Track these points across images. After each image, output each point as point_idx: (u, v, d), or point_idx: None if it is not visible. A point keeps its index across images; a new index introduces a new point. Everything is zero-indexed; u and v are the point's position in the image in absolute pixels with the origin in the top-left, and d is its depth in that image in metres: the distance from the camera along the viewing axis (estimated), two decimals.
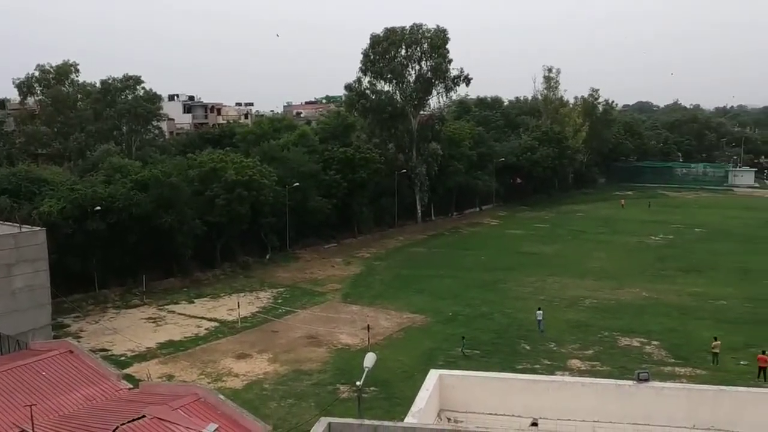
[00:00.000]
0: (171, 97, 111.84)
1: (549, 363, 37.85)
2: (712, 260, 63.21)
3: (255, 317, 47.27)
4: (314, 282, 57.35)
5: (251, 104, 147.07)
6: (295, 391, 34.45)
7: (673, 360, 38.27)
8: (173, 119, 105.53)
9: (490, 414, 15.73)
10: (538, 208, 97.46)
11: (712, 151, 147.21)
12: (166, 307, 49.80)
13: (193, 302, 51.13)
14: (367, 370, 22.48)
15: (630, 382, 15.99)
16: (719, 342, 37.80)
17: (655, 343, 40.93)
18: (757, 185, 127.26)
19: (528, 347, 40.58)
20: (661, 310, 47.78)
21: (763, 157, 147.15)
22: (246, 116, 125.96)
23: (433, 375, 16.25)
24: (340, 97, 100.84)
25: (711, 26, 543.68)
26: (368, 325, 42.32)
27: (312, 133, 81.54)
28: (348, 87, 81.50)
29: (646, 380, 15.79)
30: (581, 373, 35.79)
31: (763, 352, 36.07)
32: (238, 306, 47.42)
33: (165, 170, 56.30)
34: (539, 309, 44.73)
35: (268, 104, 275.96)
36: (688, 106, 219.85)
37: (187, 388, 22.56)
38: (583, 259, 64.84)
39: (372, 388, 33.23)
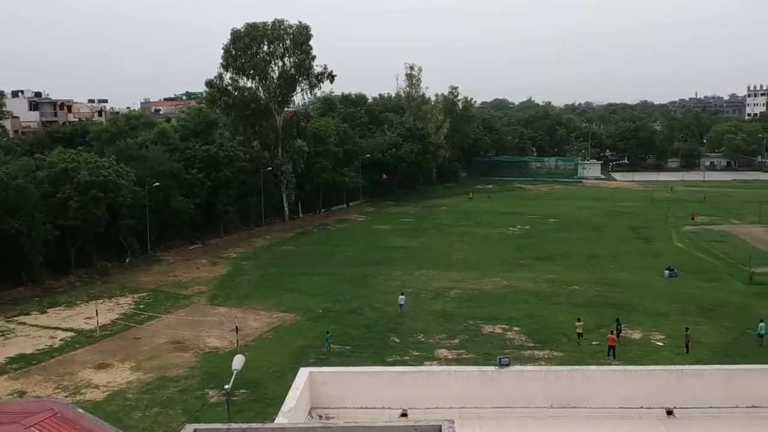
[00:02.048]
0: (15, 94, 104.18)
1: (418, 354, 38.71)
2: (564, 248, 67.17)
3: (115, 324, 45.04)
4: (178, 285, 55.45)
5: (105, 101, 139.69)
6: (161, 399, 33.16)
7: (532, 344, 40.25)
8: (18, 117, 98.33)
9: (361, 408, 15.81)
10: (403, 202, 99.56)
11: (562, 146, 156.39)
12: (14, 318, 46.35)
13: (45, 312, 47.95)
14: (235, 372, 22.10)
15: (493, 368, 16.57)
16: (582, 323, 40.27)
17: (516, 329, 42.86)
18: (603, 177, 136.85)
19: (398, 340, 41.32)
20: (521, 297, 50.15)
21: (607, 150, 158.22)
22: (100, 113, 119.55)
23: (304, 373, 16.10)
24: (202, 93, 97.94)
25: (557, 34, 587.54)
26: (237, 327, 41.37)
27: (172, 131, 78.63)
28: (209, 83, 79.33)
29: (507, 365, 16.44)
30: (448, 361, 36.96)
31: (612, 332, 38.93)
32: (97, 314, 44.84)
33: (10, 172, 52.31)
34: (402, 294, 46.73)
35: (125, 101, 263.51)
36: (540, 103, 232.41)
37: (41, 404, 21.00)
38: (447, 251, 66.90)
39: (242, 391, 32.61)
